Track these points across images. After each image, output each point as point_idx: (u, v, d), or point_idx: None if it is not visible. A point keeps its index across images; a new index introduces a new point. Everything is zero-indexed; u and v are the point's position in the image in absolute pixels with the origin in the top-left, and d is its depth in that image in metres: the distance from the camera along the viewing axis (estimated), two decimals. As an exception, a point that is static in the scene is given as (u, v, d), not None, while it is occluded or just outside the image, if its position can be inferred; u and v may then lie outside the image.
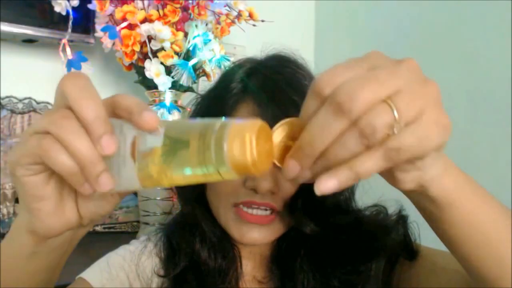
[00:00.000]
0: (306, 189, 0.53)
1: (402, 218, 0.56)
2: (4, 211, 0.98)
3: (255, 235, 0.52)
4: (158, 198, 0.97)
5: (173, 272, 0.56)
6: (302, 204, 0.53)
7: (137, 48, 0.90)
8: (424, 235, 0.55)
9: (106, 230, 1.11)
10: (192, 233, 0.58)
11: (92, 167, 0.28)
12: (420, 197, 0.33)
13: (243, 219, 0.52)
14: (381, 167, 0.27)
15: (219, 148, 0.28)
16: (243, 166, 0.28)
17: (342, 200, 0.57)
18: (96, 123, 0.28)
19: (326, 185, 0.28)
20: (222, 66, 0.98)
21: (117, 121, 0.31)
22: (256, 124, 0.28)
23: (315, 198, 0.52)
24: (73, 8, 0.93)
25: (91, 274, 0.56)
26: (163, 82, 0.92)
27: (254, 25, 1.02)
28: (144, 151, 0.30)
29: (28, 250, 0.35)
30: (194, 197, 0.58)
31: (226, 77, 0.58)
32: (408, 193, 0.34)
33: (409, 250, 0.54)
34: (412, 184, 0.31)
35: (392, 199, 0.57)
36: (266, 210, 0.52)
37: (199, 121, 0.30)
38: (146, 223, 0.99)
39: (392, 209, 0.57)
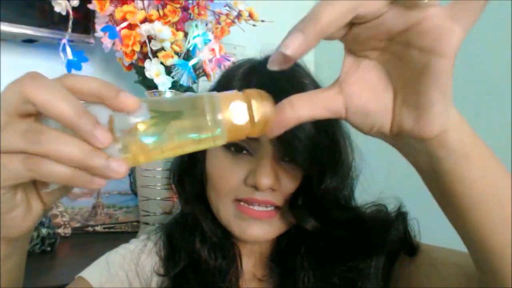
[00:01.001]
0: (306, 186, 0.53)
1: (401, 215, 0.56)
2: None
3: (256, 231, 0.52)
4: (158, 198, 0.97)
5: (173, 271, 0.56)
6: (303, 201, 0.53)
7: (137, 48, 0.90)
8: (424, 233, 0.55)
9: (106, 230, 1.11)
10: (192, 233, 0.58)
11: (97, 161, 0.27)
12: (437, 149, 0.31)
13: (244, 215, 0.52)
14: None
15: (214, 112, 0.30)
16: (236, 128, 0.31)
17: (341, 197, 0.57)
18: (83, 119, 0.26)
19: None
20: (222, 66, 0.98)
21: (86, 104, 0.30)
22: (243, 93, 0.32)
23: (315, 195, 0.52)
24: (73, 8, 0.93)
25: (90, 273, 0.56)
26: (163, 82, 0.92)
27: (254, 25, 1.02)
28: (126, 128, 0.29)
29: (1, 255, 0.34)
30: (194, 196, 0.58)
31: (226, 77, 0.58)
32: (425, 147, 0.32)
33: (409, 246, 0.54)
34: (438, 127, 0.30)
35: (391, 197, 0.57)
36: (267, 206, 0.53)
37: (182, 95, 0.31)
38: (146, 223, 0.99)
39: (391, 206, 0.57)
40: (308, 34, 0.26)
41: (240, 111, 0.31)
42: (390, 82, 0.31)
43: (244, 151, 0.53)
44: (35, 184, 0.32)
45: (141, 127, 0.29)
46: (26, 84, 0.26)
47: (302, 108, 0.32)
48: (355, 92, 0.31)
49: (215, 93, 0.31)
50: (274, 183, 0.51)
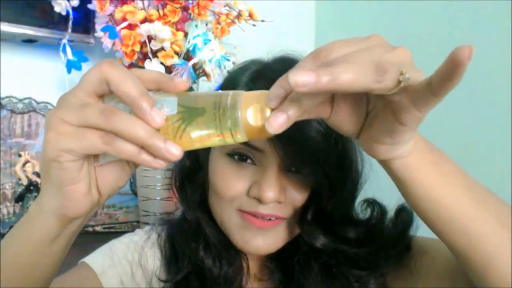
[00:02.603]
0: (315, 199, 0.51)
1: (406, 215, 0.55)
2: (4, 211, 0.98)
3: (259, 243, 0.51)
4: (158, 198, 0.97)
5: (175, 277, 0.55)
6: (312, 215, 0.52)
7: (137, 48, 0.90)
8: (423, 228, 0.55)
9: (106, 230, 1.11)
10: (196, 240, 0.56)
11: (156, 142, 0.31)
12: (387, 170, 0.37)
13: (247, 222, 0.51)
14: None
15: (234, 112, 0.32)
16: (253, 129, 0.32)
17: (350, 210, 0.56)
18: (143, 99, 0.31)
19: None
20: (222, 66, 0.98)
21: None
22: (265, 94, 0.33)
23: (325, 209, 0.51)
24: (73, 8, 0.92)
25: (93, 259, 0.56)
26: (163, 82, 0.92)
27: (254, 25, 1.02)
28: None
29: (54, 233, 0.36)
30: (197, 202, 0.57)
31: (231, 81, 0.56)
32: (380, 164, 0.37)
33: (408, 244, 0.54)
34: (384, 156, 0.35)
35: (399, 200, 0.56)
36: (271, 219, 0.51)
37: (208, 92, 0.34)
38: (146, 223, 0.99)
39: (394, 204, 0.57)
40: (291, 113, 0.30)
41: (257, 113, 0.32)
42: (366, 106, 0.35)
43: (249, 160, 0.51)
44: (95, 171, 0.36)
45: (169, 121, 0.33)
46: (105, 66, 0.32)
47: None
48: (340, 107, 0.35)
49: (241, 92, 0.33)
50: (279, 196, 0.49)
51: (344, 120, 0.35)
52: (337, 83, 0.26)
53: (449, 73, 0.26)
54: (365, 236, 0.54)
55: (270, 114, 0.32)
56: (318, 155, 0.48)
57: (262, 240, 0.51)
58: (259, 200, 0.49)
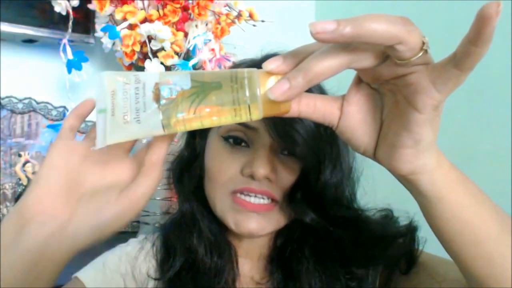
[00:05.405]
0: (305, 180, 0.53)
1: (412, 229, 0.55)
2: (4, 211, 0.98)
3: (252, 225, 0.51)
4: (158, 198, 0.97)
5: (168, 274, 0.56)
6: (302, 194, 0.53)
7: (137, 48, 0.90)
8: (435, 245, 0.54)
9: (106, 230, 1.10)
10: (189, 230, 0.57)
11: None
12: (413, 190, 0.34)
13: (240, 207, 0.51)
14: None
15: (253, 86, 0.31)
16: (272, 104, 0.31)
17: (343, 197, 0.56)
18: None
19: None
20: (222, 66, 0.98)
21: (129, 72, 0.33)
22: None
23: (314, 189, 0.52)
24: (73, 8, 0.93)
25: (85, 274, 0.56)
26: (163, 82, 0.92)
27: (254, 25, 1.02)
28: (170, 95, 0.32)
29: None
30: (193, 192, 0.58)
31: None
32: (405, 185, 0.35)
33: (409, 261, 0.54)
34: (407, 168, 0.32)
35: (402, 211, 0.56)
36: (263, 198, 0.52)
37: (221, 69, 0.33)
38: (146, 223, 0.99)
39: (401, 219, 0.57)
40: (295, 83, 0.29)
41: None
42: (381, 115, 0.33)
43: (243, 144, 0.53)
44: None
45: (183, 95, 0.31)
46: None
47: (305, 107, 0.33)
48: (350, 112, 0.33)
49: (255, 69, 0.32)
50: (271, 173, 0.50)
51: (356, 128, 0.34)
52: (361, 31, 0.25)
53: (477, 35, 0.25)
54: (357, 220, 0.55)
55: (276, 83, 0.31)
56: (309, 139, 0.49)
57: (254, 222, 0.52)
58: (252, 177, 0.50)
